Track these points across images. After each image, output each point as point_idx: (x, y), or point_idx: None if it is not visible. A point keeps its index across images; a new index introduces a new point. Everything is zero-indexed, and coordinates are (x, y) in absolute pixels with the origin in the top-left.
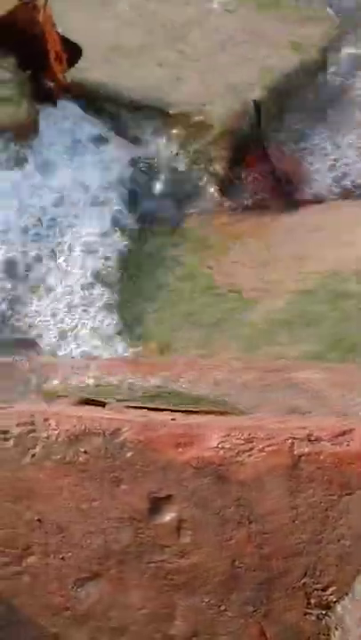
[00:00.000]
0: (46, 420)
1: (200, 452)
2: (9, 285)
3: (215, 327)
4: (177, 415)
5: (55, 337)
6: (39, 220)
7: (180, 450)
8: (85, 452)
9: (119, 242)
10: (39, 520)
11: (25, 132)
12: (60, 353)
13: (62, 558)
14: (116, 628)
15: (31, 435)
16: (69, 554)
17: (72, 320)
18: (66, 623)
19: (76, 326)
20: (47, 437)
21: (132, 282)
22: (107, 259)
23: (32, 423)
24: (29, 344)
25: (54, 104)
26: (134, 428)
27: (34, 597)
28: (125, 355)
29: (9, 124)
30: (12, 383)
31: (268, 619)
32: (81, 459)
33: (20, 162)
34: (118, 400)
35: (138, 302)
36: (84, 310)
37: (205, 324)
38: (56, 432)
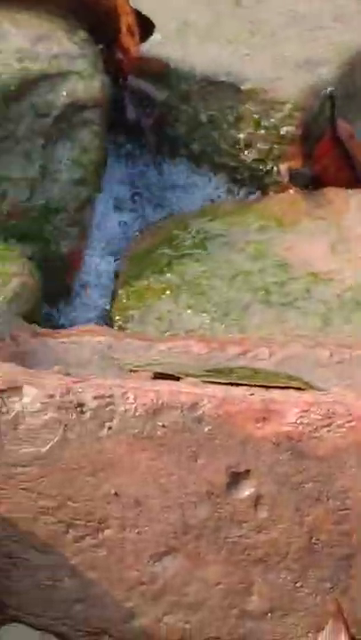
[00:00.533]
0: (124, 393)
1: (279, 428)
2: None
3: (288, 306)
4: (254, 390)
5: None
6: None
7: (259, 425)
8: (163, 425)
9: None
10: (116, 493)
11: (98, 106)
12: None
13: (139, 532)
14: (192, 603)
15: (109, 408)
16: (146, 528)
17: None
18: (141, 598)
19: None
20: (125, 411)
21: (204, 262)
22: None
23: (110, 396)
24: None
25: (125, 79)
26: (213, 402)
27: (109, 571)
28: (194, 331)
29: (82, 98)
30: (84, 357)
31: (345, 596)
32: (159, 432)
33: None
34: (193, 375)
35: (210, 281)
36: None
37: (278, 302)
38: (134, 405)
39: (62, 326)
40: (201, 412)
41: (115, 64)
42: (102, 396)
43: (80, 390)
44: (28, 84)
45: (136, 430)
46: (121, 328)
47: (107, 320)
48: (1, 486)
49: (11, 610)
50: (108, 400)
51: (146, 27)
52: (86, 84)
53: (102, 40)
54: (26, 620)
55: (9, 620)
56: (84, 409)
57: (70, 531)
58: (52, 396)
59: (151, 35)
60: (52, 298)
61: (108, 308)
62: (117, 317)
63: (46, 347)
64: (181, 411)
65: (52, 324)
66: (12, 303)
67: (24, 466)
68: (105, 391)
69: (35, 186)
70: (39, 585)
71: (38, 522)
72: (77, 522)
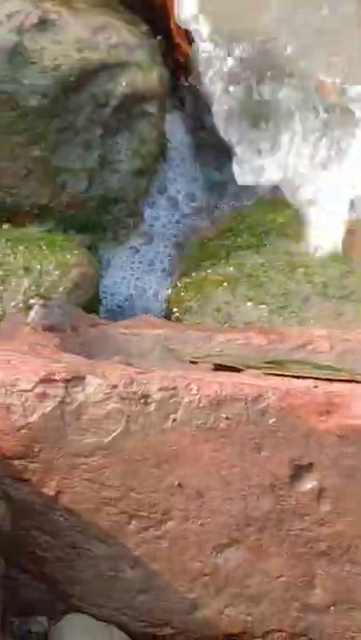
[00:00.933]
0: (188, 384)
1: (343, 421)
2: None
3: (346, 299)
4: (318, 383)
5: None
6: None
7: (323, 418)
8: (227, 417)
9: None
10: (179, 485)
11: (157, 97)
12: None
13: (201, 524)
14: (254, 595)
15: (173, 399)
16: (209, 519)
17: None
18: (203, 590)
19: None
20: (189, 402)
21: (262, 254)
22: None
23: (174, 388)
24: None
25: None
26: (277, 394)
27: (172, 563)
28: (252, 323)
29: (141, 89)
30: (145, 349)
31: None
32: (222, 424)
33: None
34: (253, 367)
35: (269, 273)
36: None
37: (336, 295)
38: (197, 397)
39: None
40: (265, 404)
41: (173, 57)
42: (166, 388)
43: (144, 381)
44: (88, 75)
45: (200, 422)
46: (179, 320)
47: (165, 311)
48: (64, 476)
49: (73, 600)
50: (172, 392)
51: None
52: (145, 75)
53: (160, 33)
54: (88, 610)
55: (72, 609)
56: (148, 400)
57: (133, 522)
58: (115, 387)
59: None
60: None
61: (166, 299)
62: (175, 309)
63: (106, 337)
64: (245, 403)
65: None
66: (71, 294)
67: (87, 456)
68: (169, 383)
69: (93, 176)
70: (102, 575)
71: (101, 512)
72: (140, 513)
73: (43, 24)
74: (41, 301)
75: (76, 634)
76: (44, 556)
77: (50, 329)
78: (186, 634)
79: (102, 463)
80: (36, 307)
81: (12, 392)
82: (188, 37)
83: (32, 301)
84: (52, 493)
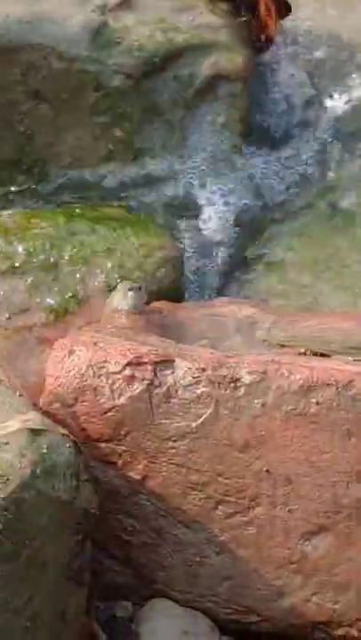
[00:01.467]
0: (278, 369)
1: None
2: None
3: None
4: None
5: None
6: None
7: None
8: (317, 403)
9: None
10: (267, 471)
11: (241, 78)
12: None
13: (289, 511)
14: (342, 583)
15: (263, 384)
16: (297, 506)
17: None
18: (290, 577)
19: None
20: (279, 387)
21: (347, 236)
22: None
23: (264, 372)
24: None
25: (264, 51)
26: None
27: (259, 549)
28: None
29: (225, 70)
30: (229, 332)
31: None
32: (312, 410)
33: None
34: (339, 352)
35: (354, 255)
36: None
37: None
38: (288, 382)
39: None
40: (356, 389)
41: (258, 38)
42: (256, 372)
43: (234, 365)
44: (172, 56)
45: (289, 407)
46: (263, 302)
47: (249, 295)
48: (151, 460)
49: (158, 585)
50: (262, 376)
51: (283, 7)
52: (229, 55)
53: (244, 13)
54: (173, 596)
55: (156, 594)
56: (237, 384)
57: (220, 507)
58: (204, 370)
59: (288, 15)
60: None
61: (249, 281)
62: (260, 291)
63: (190, 320)
64: (336, 388)
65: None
66: (155, 276)
67: (175, 440)
68: (259, 367)
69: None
70: (186, 561)
71: (188, 497)
72: (227, 498)
73: (127, 4)
74: (136, 286)
75: (161, 619)
76: (130, 541)
77: (139, 313)
78: (272, 621)
79: (190, 447)
80: (131, 293)
81: (100, 374)
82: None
83: (128, 286)
84: (138, 477)
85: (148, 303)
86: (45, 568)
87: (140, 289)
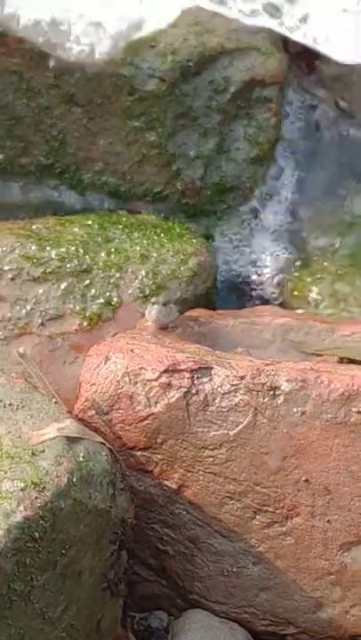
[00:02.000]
0: (318, 377)
1: None
2: None
3: None
4: None
5: None
6: None
7: None
8: (358, 412)
9: None
10: (306, 480)
11: (276, 83)
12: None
13: (328, 521)
14: None
15: (302, 392)
16: (336, 517)
17: None
18: (329, 588)
19: None
20: (318, 396)
21: None
22: None
23: (303, 380)
24: None
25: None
26: None
27: (297, 560)
28: None
29: (260, 75)
30: (265, 340)
31: None
32: (353, 419)
33: None
34: None
35: None
36: None
37: None
38: (327, 390)
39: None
40: None
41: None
42: (296, 380)
43: (273, 373)
44: (206, 60)
45: (329, 416)
46: (294, 310)
47: (284, 303)
48: (188, 469)
49: (193, 595)
50: (301, 384)
51: None
52: (265, 60)
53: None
54: (209, 607)
55: (192, 605)
56: (276, 392)
57: (257, 517)
58: (242, 378)
59: None
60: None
61: (284, 289)
62: (290, 299)
63: (226, 328)
64: None
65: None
66: (190, 283)
67: (212, 449)
68: (298, 375)
69: (209, 163)
70: (223, 571)
71: (225, 507)
72: (265, 508)
73: None
74: (162, 300)
75: (197, 630)
76: (166, 550)
77: (165, 327)
78: (309, 633)
79: (228, 456)
80: (157, 306)
81: (136, 381)
82: None
83: (153, 300)
84: (174, 486)
85: (182, 312)
86: (81, 578)
87: (164, 304)
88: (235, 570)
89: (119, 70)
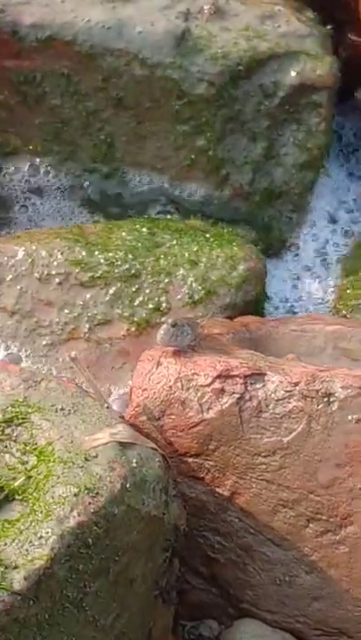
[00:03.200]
0: None
1: None
2: None
3: None
4: None
5: None
6: None
7: None
8: None
9: None
10: None
11: (326, 88)
12: None
13: None
14: None
15: (358, 399)
16: None
17: None
18: None
19: None
20: None
21: None
22: None
23: (359, 387)
24: None
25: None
26: None
27: (350, 569)
28: None
29: (310, 79)
30: (316, 347)
31: None
32: None
33: None
34: None
35: None
36: None
37: None
38: None
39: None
40: None
41: (347, 47)
42: (351, 386)
43: (328, 379)
44: (256, 64)
45: None
46: (345, 317)
47: (331, 309)
48: (241, 476)
49: (245, 604)
50: (357, 391)
51: None
52: (315, 64)
53: (332, 22)
54: (260, 616)
55: (243, 614)
56: (331, 399)
57: (311, 525)
58: (296, 384)
59: None
60: (273, 284)
61: (332, 296)
62: (341, 306)
63: (276, 335)
64: None
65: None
66: (240, 289)
67: (265, 456)
68: (353, 381)
69: (258, 169)
70: (275, 580)
71: (277, 515)
72: (319, 516)
73: (211, 11)
74: (170, 321)
75: None
76: (217, 558)
77: (175, 351)
78: None
79: (281, 463)
80: (165, 326)
81: (189, 387)
82: None
83: (163, 319)
84: (227, 493)
85: (231, 318)
86: (134, 585)
87: (173, 326)
88: (287, 579)
89: (168, 73)
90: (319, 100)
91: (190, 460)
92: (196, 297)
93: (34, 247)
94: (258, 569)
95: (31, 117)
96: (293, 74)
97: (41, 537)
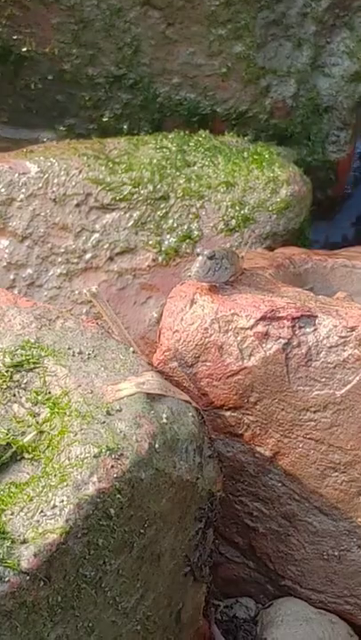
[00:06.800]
0: None
1: None
2: None
3: None
4: None
5: None
6: None
7: None
8: None
9: None
10: None
11: None
12: None
13: None
14: None
15: None
16: None
17: None
18: None
19: None
20: None
21: None
22: None
23: None
24: None
25: None
26: None
27: None
28: None
29: None
30: None
31: None
32: None
33: None
34: None
35: None
36: None
37: None
38: None
39: (330, 246)
40: None
41: None
42: None
43: None
44: None
45: None
46: None
47: None
48: (285, 434)
49: (286, 581)
50: None
51: None
52: None
53: None
54: (304, 595)
55: (284, 593)
56: None
57: None
58: (353, 329)
59: None
60: (315, 212)
61: None
62: None
63: (325, 270)
64: None
65: (318, 241)
66: (282, 215)
67: (315, 411)
68: None
69: (303, 80)
70: (323, 554)
71: (327, 479)
72: None
73: None
74: (207, 253)
75: (290, 623)
76: (255, 528)
77: (212, 287)
78: None
79: (333, 420)
80: (200, 259)
81: (227, 329)
82: None
83: (198, 250)
84: (268, 453)
85: (272, 249)
86: (161, 561)
87: (210, 258)
88: (336, 553)
89: None
90: None
91: (228, 413)
92: (232, 224)
93: (48, 163)
94: (303, 541)
95: (48, 16)
96: None
97: (54, 506)
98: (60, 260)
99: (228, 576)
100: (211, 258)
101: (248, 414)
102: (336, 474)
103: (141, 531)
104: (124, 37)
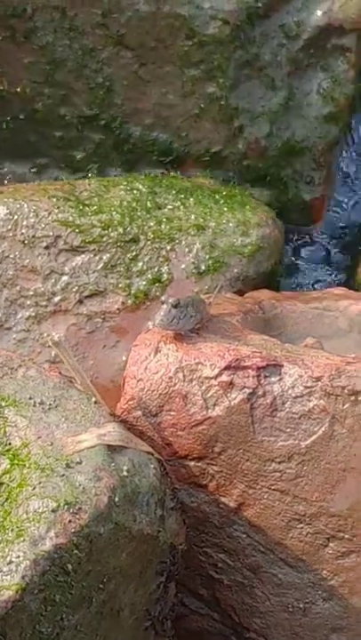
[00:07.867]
0: None
1: None
2: None
3: None
4: None
5: None
6: None
7: None
8: None
9: None
10: None
11: (356, 30)
12: None
13: None
14: None
15: None
16: None
17: None
18: None
19: None
20: None
21: None
22: None
23: None
24: None
25: None
26: None
27: None
28: None
29: (339, 20)
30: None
31: None
32: None
33: None
34: None
35: None
36: None
37: None
38: None
39: (302, 287)
40: None
41: None
42: None
43: (355, 374)
44: (278, 1)
45: None
46: None
47: (352, 282)
48: (250, 485)
49: (251, 634)
50: None
51: None
52: (345, 3)
53: None
54: None
55: None
56: (359, 397)
57: (331, 545)
58: (318, 379)
59: None
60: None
61: (353, 267)
62: None
63: (295, 313)
64: None
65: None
66: (253, 259)
67: (280, 462)
68: None
69: (276, 121)
70: (288, 607)
71: (292, 531)
72: (341, 534)
73: None
74: (172, 301)
75: None
76: (219, 579)
77: (177, 336)
78: None
79: (298, 471)
80: (165, 307)
81: (192, 379)
82: None
83: (162, 298)
84: (233, 504)
85: (242, 293)
86: (121, 616)
87: (175, 306)
88: (302, 606)
89: (177, 10)
90: (348, 43)
91: (192, 464)
92: (203, 267)
93: (17, 205)
94: (267, 593)
95: (19, 56)
96: (319, 13)
97: (10, 562)
98: (28, 302)
99: (193, 628)
100: (175, 306)
101: (213, 464)
102: (301, 525)
103: (100, 586)
104: (97, 77)
